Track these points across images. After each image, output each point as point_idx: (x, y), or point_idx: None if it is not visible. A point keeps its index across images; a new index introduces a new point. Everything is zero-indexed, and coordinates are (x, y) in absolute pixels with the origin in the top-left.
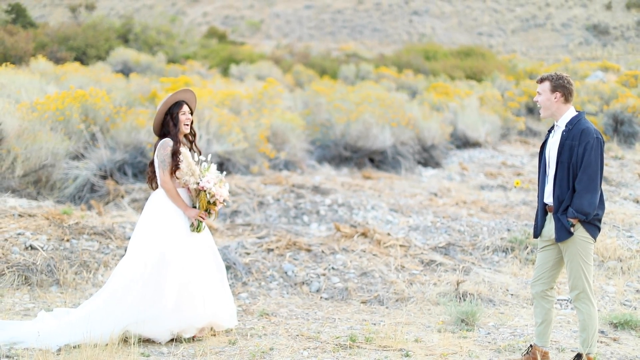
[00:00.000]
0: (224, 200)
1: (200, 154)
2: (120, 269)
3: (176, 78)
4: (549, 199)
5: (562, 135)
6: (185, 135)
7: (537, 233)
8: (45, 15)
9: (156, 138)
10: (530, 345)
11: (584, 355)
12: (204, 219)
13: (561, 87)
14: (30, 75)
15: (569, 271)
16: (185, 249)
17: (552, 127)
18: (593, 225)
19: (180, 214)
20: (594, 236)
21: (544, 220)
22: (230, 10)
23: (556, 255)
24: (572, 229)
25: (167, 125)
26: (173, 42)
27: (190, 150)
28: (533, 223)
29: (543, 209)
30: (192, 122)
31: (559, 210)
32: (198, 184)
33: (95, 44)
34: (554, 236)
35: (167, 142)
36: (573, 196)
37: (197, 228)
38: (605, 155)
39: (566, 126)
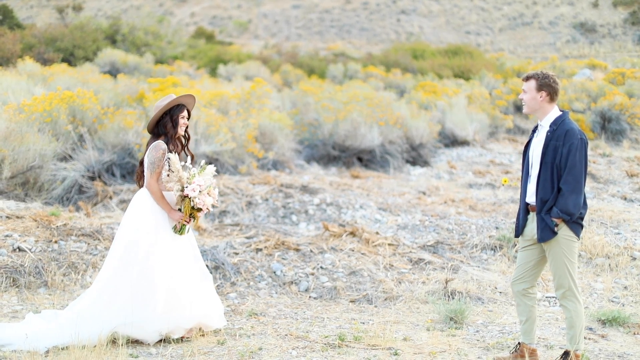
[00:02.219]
0: (210, 207)
1: (193, 158)
2: (107, 270)
3: (164, 78)
4: (531, 198)
5: (547, 136)
6: (178, 138)
7: (518, 232)
8: (32, 16)
9: (146, 139)
10: (519, 343)
11: (571, 352)
12: (187, 222)
13: (547, 86)
14: (18, 77)
15: (554, 270)
16: (171, 250)
17: (536, 127)
18: (576, 223)
19: (165, 214)
20: (578, 234)
21: (525, 219)
22: (218, 11)
23: (538, 254)
24: (555, 229)
25: (164, 125)
26: (161, 42)
27: (181, 152)
28: None
29: (525, 209)
30: (187, 127)
31: (542, 210)
32: (182, 190)
33: (83, 45)
34: (536, 236)
35: (160, 144)
36: (557, 196)
37: (179, 231)
38: (592, 153)
39: (550, 126)
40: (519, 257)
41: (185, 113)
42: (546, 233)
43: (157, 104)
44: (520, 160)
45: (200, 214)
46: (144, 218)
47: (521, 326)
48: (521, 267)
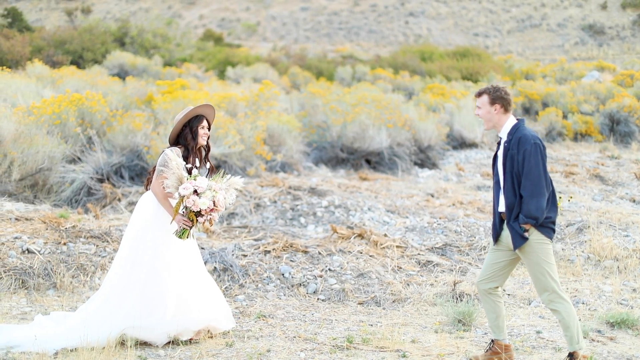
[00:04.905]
0: (211, 211)
1: (212, 170)
2: (115, 273)
3: (172, 81)
4: (503, 207)
5: (505, 147)
6: (199, 149)
7: (495, 240)
8: (41, 19)
9: (155, 141)
10: (492, 341)
11: (577, 353)
12: (188, 226)
13: (499, 99)
14: (27, 79)
15: (534, 276)
16: (178, 252)
17: (500, 139)
18: (546, 227)
19: (169, 217)
20: (550, 237)
21: (501, 227)
22: (226, 13)
23: (509, 256)
24: (526, 234)
25: (184, 137)
26: (169, 45)
27: (201, 162)
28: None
29: (500, 217)
30: (208, 137)
31: (510, 219)
32: (178, 189)
33: (92, 48)
34: (511, 244)
35: (172, 149)
36: (521, 203)
37: (180, 234)
38: (601, 155)
39: (507, 137)
40: (488, 257)
41: (205, 123)
42: (517, 240)
43: (176, 117)
44: None
45: (201, 219)
46: (148, 219)
47: (491, 324)
48: (490, 267)
